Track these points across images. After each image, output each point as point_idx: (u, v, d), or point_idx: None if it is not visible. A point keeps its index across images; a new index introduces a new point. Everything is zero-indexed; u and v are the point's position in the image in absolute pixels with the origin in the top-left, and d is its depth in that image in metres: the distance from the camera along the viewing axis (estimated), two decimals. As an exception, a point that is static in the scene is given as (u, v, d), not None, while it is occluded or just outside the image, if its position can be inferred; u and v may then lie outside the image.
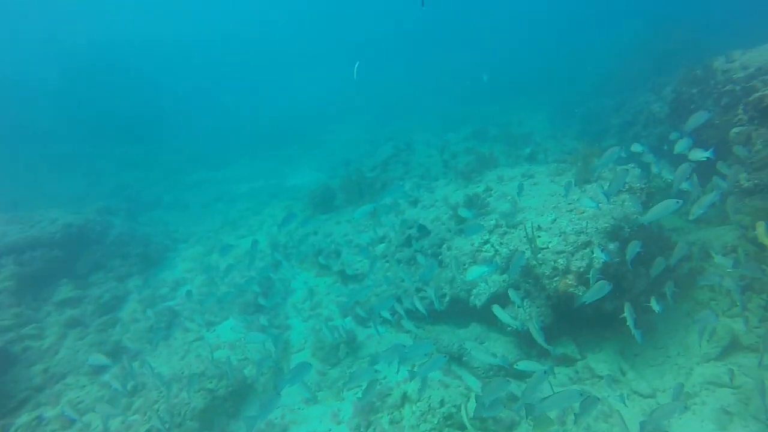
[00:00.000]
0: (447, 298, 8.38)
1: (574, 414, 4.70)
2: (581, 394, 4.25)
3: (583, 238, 7.06)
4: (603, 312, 7.09)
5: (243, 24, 58.54)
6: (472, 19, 49.58)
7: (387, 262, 9.98)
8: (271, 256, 11.67)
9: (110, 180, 21.82)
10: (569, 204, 8.09)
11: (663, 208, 5.45)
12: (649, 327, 7.65)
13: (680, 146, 7.22)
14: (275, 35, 56.06)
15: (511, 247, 7.71)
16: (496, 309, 6.45)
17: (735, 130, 8.78)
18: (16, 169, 22.71)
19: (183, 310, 9.85)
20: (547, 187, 9.41)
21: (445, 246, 8.96)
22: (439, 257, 9.06)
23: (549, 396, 4.45)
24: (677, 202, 5.32)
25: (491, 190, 10.03)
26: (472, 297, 7.93)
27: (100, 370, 8.01)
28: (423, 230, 9.78)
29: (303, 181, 20.47)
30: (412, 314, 8.79)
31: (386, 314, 7.94)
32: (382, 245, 10.36)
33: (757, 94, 8.54)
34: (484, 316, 7.91)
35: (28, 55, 34.33)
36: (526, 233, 7.34)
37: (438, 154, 15.73)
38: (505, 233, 8.08)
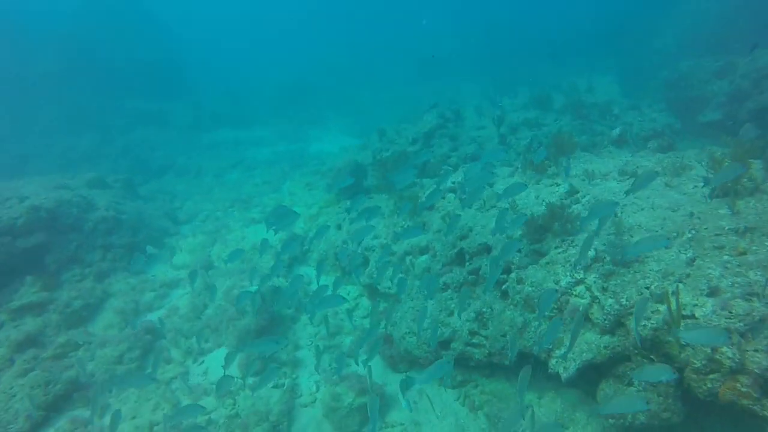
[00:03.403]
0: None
1: None
2: None
3: (759, 307, 4.36)
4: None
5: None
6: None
7: (430, 283, 7.53)
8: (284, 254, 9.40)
9: (122, 137, 19.90)
10: (716, 234, 5.33)
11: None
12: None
13: None
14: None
15: (623, 301, 5.08)
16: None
17: None
18: (27, 120, 21.08)
19: (165, 328, 7.76)
20: (662, 196, 6.57)
21: (513, 275, 6.40)
22: (504, 286, 6.54)
23: None
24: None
25: (577, 192, 7.28)
26: (554, 361, 5.45)
27: (37, 426, 6.10)
28: (482, 244, 7.21)
29: (330, 148, 17.99)
30: (462, 362, 6.52)
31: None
32: (424, 257, 7.88)
33: None
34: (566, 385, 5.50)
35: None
36: (667, 297, 4.69)
37: (493, 126, 12.86)
38: (611, 273, 5.41)
